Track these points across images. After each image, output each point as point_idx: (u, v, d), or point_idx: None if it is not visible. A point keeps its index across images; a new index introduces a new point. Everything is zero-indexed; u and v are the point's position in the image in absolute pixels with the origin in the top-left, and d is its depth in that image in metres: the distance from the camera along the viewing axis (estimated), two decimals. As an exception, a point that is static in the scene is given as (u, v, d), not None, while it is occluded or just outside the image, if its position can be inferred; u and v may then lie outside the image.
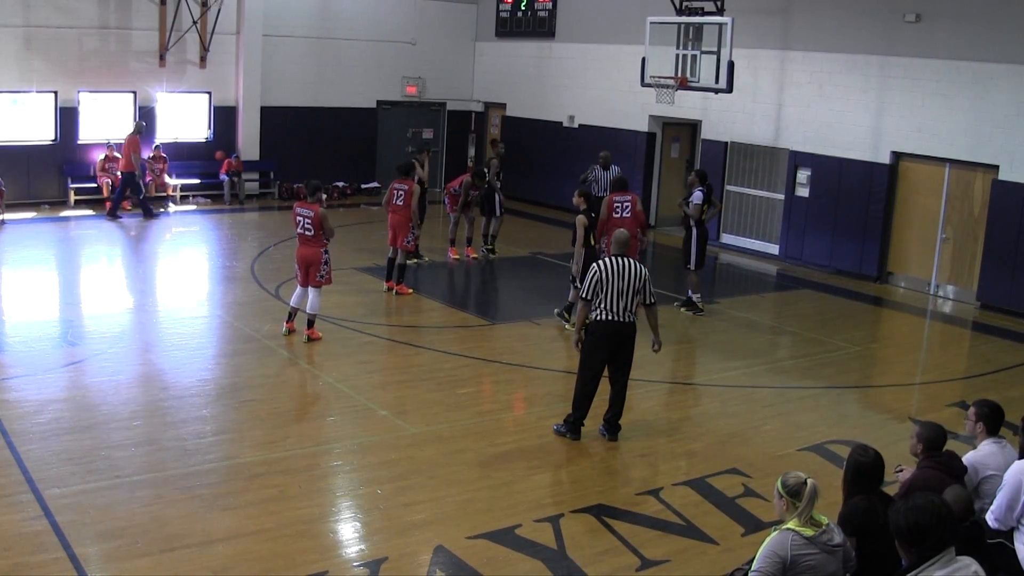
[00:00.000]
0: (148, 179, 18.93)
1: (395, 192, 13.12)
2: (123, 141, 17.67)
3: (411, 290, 13.31)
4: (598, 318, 8.24)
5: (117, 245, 16.24)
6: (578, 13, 20.46)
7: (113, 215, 17.58)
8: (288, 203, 18.41)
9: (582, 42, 20.33)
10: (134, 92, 18.85)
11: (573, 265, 11.34)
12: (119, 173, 17.89)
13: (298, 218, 10.67)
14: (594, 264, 8.32)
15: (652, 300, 8.44)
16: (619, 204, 12.42)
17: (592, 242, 11.26)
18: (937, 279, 15.02)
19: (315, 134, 21.02)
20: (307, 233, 10.62)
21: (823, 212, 16.24)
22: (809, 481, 4.67)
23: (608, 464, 8.21)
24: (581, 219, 11.19)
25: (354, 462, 7.93)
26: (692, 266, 12.94)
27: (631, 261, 8.28)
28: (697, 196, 12.86)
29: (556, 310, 12.18)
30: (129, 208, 18.38)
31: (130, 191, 17.79)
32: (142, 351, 10.50)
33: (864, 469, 5.16)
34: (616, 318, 8.19)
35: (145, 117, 18.98)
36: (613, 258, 8.28)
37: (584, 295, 8.28)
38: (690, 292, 13.13)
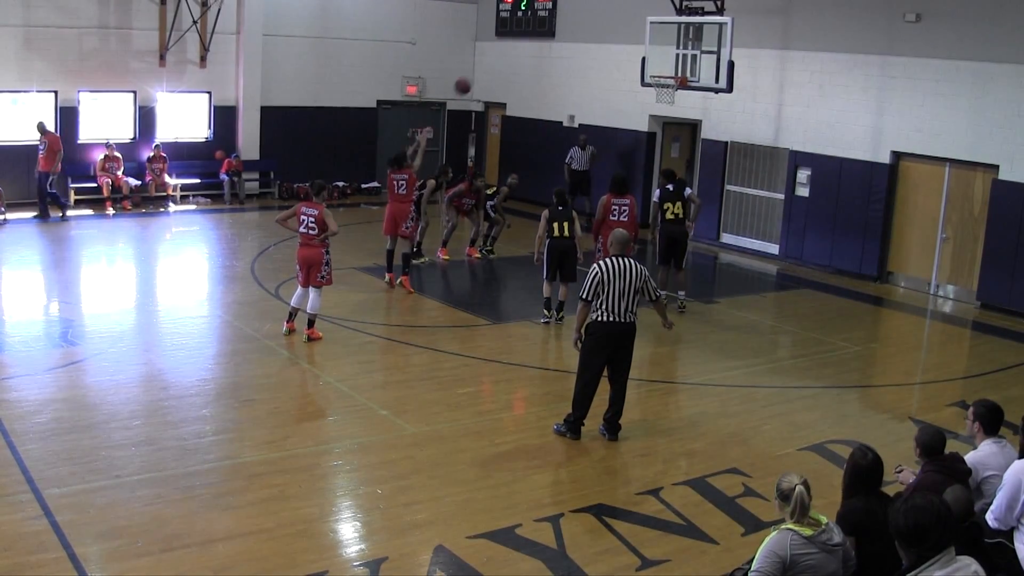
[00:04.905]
0: (148, 179, 18.95)
1: (396, 182, 13.22)
2: (48, 140, 17.12)
3: (413, 290, 13.31)
4: (599, 319, 8.23)
5: (117, 245, 16.24)
6: (578, 13, 20.46)
7: (46, 215, 17.17)
8: (288, 203, 18.40)
9: (582, 42, 20.33)
10: (134, 92, 18.86)
11: (535, 253, 12.36)
12: (38, 173, 17.16)
13: (302, 217, 10.71)
14: (594, 265, 8.31)
15: (656, 296, 8.51)
16: (617, 207, 12.47)
17: (556, 232, 11.95)
18: (937, 279, 15.02)
19: (315, 134, 21.02)
20: (310, 232, 10.65)
21: (823, 212, 16.24)
22: (798, 488, 4.68)
23: (608, 464, 8.21)
24: (545, 213, 12.12)
25: (354, 462, 7.93)
26: (657, 261, 13.34)
27: (630, 261, 8.27)
28: (656, 194, 13.42)
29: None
30: (129, 207, 18.40)
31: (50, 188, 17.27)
32: (142, 351, 10.50)
33: (863, 470, 5.18)
34: (617, 319, 8.19)
35: (145, 117, 19.02)
36: (613, 259, 8.27)
37: (584, 296, 8.27)
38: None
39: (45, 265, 14.62)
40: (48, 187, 17.16)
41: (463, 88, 13.26)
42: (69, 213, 17.87)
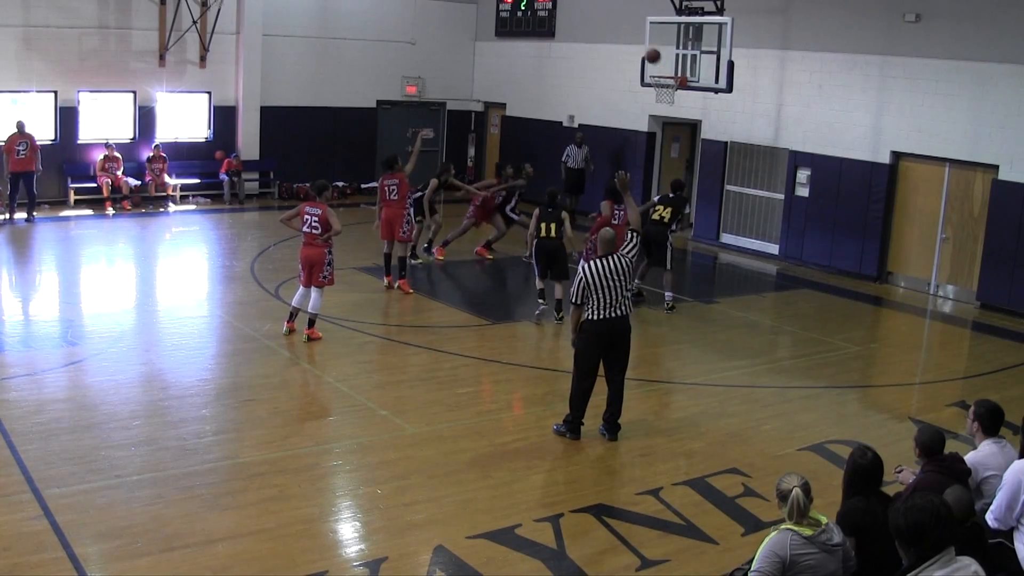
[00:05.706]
0: (148, 179, 18.95)
1: (387, 188, 13.21)
2: (29, 140, 16.86)
3: (412, 291, 13.31)
4: (590, 317, 8.24)
5: (117, 245, 16.24)
6: (578, 13, 20.46)
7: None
8: (288, 203, 18.41)
9: (582, 42, 20.33)
10: (134, 92, 18.86)
11: (528, 249, 12.69)
12: (13, 173, 16.82)
13: (306, 216, 10.74)
14: (579, 269, 8.34)
15: (635, 234, 8.55)
16: (619, 211, 12.49)
17: (543, 232, 12.11)
18: (937, 279, 15.02)
19: (315, 134, 21.02)
20: (314, 232, 10.67)
21: (823, 212, 16.24)
22: (795, 490, 4.69)
23: (608, 464, 8.21)
24: (536, 212, 12.38)
25: (354, 462, 7.93)
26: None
27: (615, 258, 8.25)
28: (657, 197, 13.99)
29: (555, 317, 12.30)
30: (129, 208, 18.41)
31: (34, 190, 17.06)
32: (142, 351, 10.50)
33: (863, 470, 5.19)
34: (608, 315, 8.18)
35: (145, 117, 19.04)
36: (598, 259, 8.26)
37: (574, 299, 8.31)
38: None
39: (45, 265, 14.62)
40: (28, 189, 16.90)
41: (652, 58, 13.50)
42: (69, 213, 17.88)
